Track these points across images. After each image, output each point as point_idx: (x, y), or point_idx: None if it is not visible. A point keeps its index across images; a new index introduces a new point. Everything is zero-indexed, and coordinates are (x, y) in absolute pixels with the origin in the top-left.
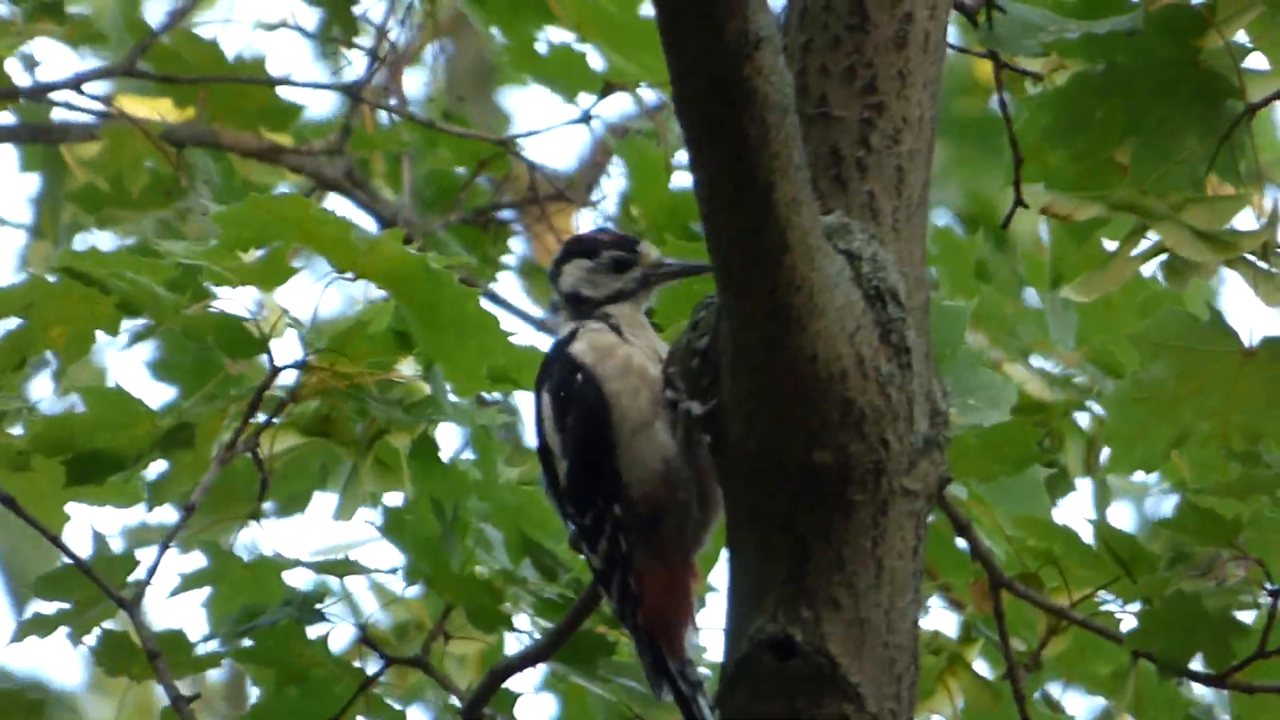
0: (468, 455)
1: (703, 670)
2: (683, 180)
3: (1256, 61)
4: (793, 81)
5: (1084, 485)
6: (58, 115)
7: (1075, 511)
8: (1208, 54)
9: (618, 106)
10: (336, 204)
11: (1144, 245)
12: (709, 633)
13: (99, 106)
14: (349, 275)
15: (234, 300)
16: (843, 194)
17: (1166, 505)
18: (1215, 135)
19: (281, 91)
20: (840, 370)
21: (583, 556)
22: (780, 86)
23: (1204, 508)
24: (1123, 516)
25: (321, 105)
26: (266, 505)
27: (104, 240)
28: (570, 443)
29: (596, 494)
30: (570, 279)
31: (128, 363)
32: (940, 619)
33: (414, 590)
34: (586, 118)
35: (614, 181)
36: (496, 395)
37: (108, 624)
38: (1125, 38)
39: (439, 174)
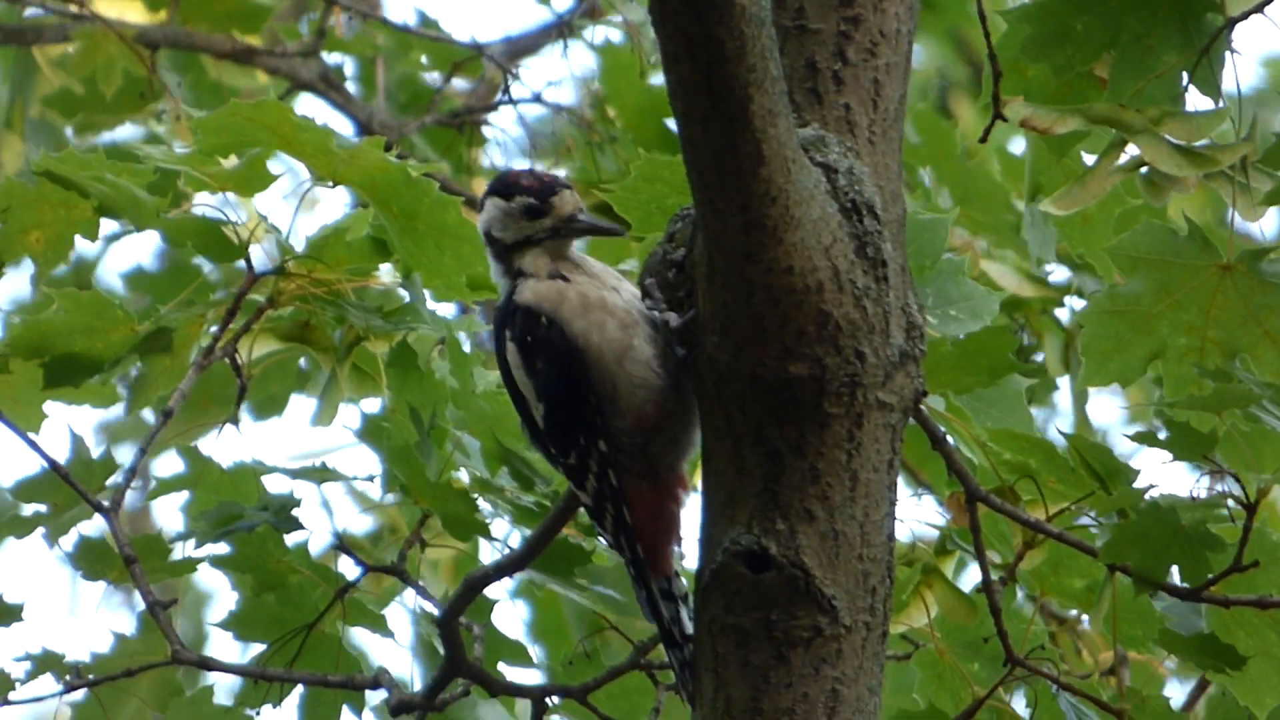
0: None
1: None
2: (658, 78)
3: None
4: None
5: (1064, 383)
6: (31, 16)
7: (1056, 422)
8: None
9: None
10: (311, 106)
11: (1123, 159)
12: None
13: (73, 9)
14: (329, 183)
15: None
16: (819, 107)
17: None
18: (1194, 49)
19: None
20: (816, 283)
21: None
22: None
23: (1179, 421)
24: (1108, 410)
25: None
26: (244, 411)
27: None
28: (544, 386)
29: (578, 433)
30: (486, 216)
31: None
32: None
33: (390, 498)
34: (563, 22)
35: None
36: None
37: (85, 528)
38: None
39: (412, 77)
